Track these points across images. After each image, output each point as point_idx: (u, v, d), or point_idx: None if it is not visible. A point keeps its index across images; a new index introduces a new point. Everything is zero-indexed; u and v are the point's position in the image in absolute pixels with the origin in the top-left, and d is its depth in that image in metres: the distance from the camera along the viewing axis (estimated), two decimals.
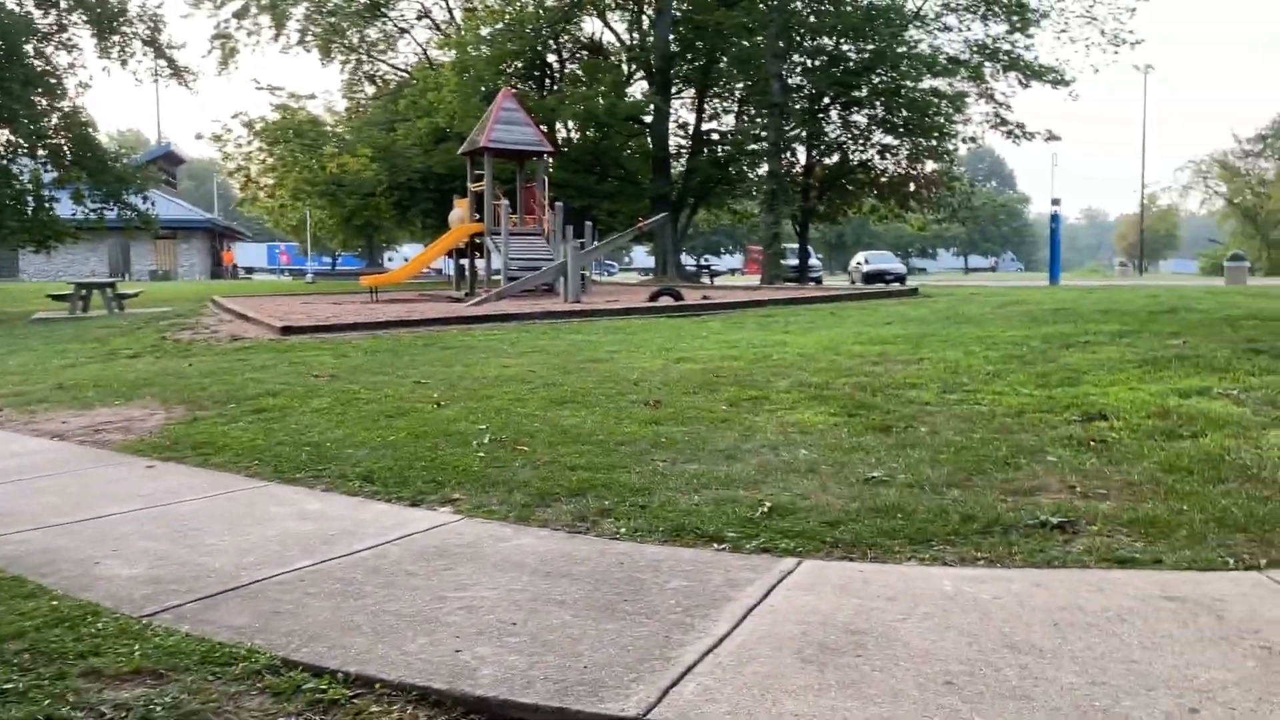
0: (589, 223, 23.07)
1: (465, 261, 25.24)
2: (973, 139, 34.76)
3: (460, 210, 24.21)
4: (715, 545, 3.68)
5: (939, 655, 2.58)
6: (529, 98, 30.54)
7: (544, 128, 29.00)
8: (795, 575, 3.28)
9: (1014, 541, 3.61)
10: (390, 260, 64.06)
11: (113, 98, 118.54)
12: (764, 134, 31.73)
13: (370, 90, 41.15)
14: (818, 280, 40.53)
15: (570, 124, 34.50)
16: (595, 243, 21.84)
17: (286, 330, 12.89)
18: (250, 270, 71.73)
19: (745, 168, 35.30)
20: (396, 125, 33.51)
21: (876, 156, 34.74)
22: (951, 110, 32.35)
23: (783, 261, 34.73)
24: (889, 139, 34.29)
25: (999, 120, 32.93)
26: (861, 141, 34.58)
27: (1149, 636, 2.65)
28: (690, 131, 35.75)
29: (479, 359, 9.73)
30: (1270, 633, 2.65)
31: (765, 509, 4.02)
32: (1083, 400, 6.42)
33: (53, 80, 23.61)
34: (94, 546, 3.79)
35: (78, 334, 15.96)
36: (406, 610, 3.01)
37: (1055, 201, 31.55)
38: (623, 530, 3.88)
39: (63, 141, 24.36)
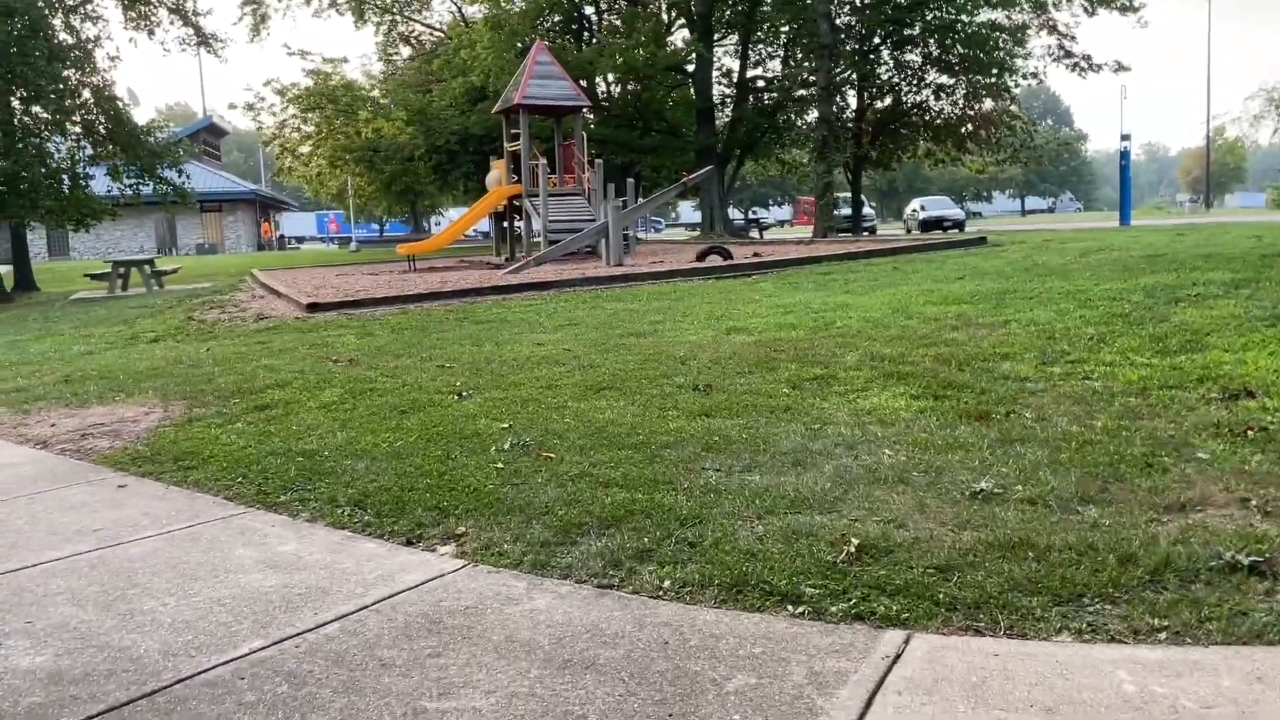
0: (631, 180, 22.05)
1: (505, 225, 24.40)
2: (1034, 74, 32.91)
3: (497, 172, 23.32)
4: (790, 608, 2.78)
5: None
6: (567, 52, 29.39)
7: (582, 83, 27.91)
8: (905, 665, 2.37)
9: (1199, 598, 2.66)
10: (438, 225, 63.51)
11: (160, 72, 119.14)
12: (812, 78, 30.30)
13: (406, 52, 40.26)
14: (871, 230, 39.05)
15: (609, 77, 33.36)
16: (638, 201, 20.83)
17: (313, 307, 12.17)
18: (300, 240, 71.73)
19: (793, 115, 33.92)
20: (431, 87, 32.64)
21: (931, 97, 33.08)
22: (1011, 44, 30.57)
23: (835, 212, 33.37)
24: (944, 78, 32.60)
25: (1063, 53, 31.07)
26: (915, 82, 32.94)
27: None
28: (735, 79, 34.39)
29: (511, 336, 8.89)
30: None
31: (852, 547, 3.10)
32: (1216, 371, 5.39)
33: (79, 54, 23.01)
34: (4, 617, 3.01)
35: (109, 315, 15.48)
36: None
37: (1125, 137, 29.86)
38: (667, 584, 2.99)
39: (95, 117, 23.84)
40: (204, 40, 25.53)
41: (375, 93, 36.48)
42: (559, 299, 12.10)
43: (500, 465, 4.40)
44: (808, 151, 33.45)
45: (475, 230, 35.89)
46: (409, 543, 3.57)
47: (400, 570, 3.25)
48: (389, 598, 3.00)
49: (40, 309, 19.23)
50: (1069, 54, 31.02)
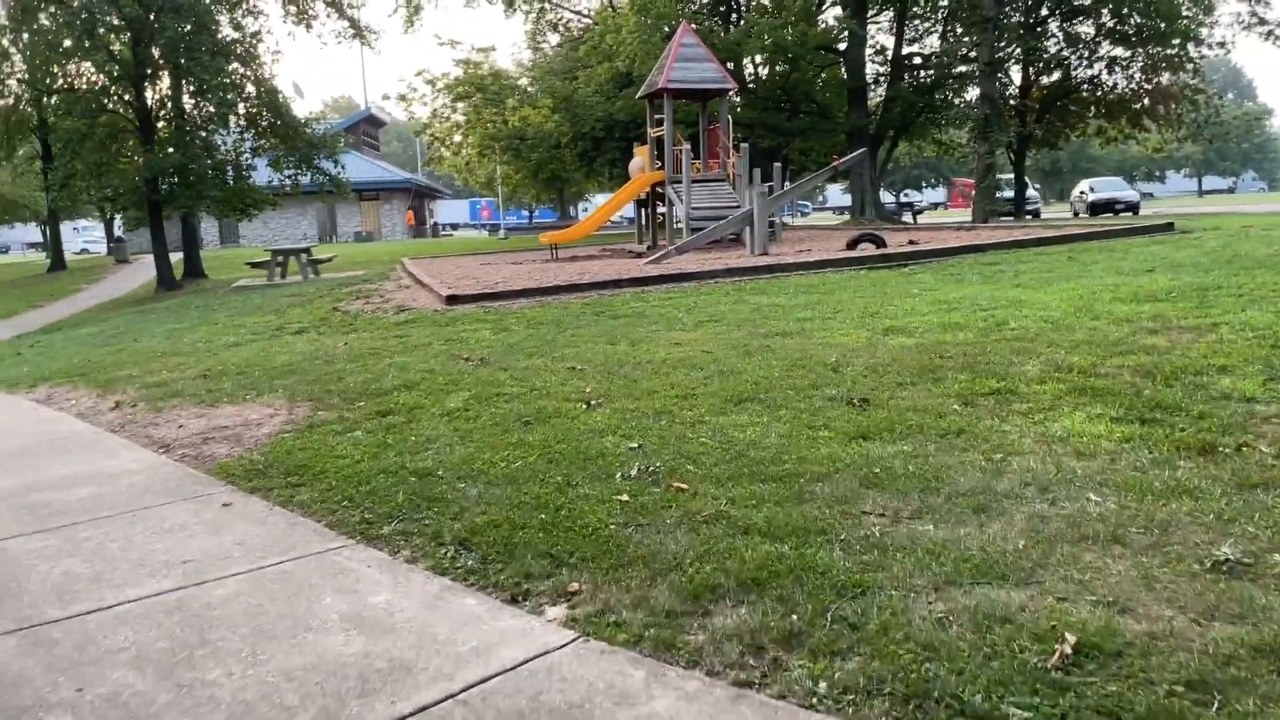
0: (778, 164, 21.19)
1: (648, 212, 23.94)
2: (1221, 44, 30.08)
3: (640, 158, 22.87)
4: None
5: None
6: (713, 34, 28.65)
7: (729, 64, 27.13)
8: None
9: None
10: (584, 211, 63.86)
11: (325, 66, 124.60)
12: (973, 54, 28.56)
13: (554, 39, 40.33)
14: (1035, 214, 36.74)
15: (757, 59, 32.41)
16: (785, 186, 19.97)
17: (452, 300, 11.98)
18: (454, 226, 73.57)
19: (951, 94, 32.13)
20: (577, 73, 32.50)
21: (1104, 71, 30.69)
22: (1197, 12, 27.99)
23: (996, 194, 31.47)
24: (1119, 50, 30.17)
25: (1255, 20, 28.23)
26: (1086, 55, 30.63)
27: None
28: (889, 57, 32.87)
29: (647, 333, 8.35)
30: None
31: (1067, 646, 2.40)
32: None
33: (242, 49, 23.83)
34: (56, 680, 2.66)
35: (263, 304, 15.81)
36: None
37: None
38: (822, 687, 2.36)
39: (258, 110, 24.69)
40: (359, 33, 26.07)
41: (523, 81, 36.68)
42: (699, 292, 11.50)
43: (625, 498, 3.85)
44: (967, 131, 31.66)
45: (621, 215, 35.60)
46: (514, 599, 3.05)
47: (499, 641, 2.73)
48: (480, 683, 2.48)
49: (203, 297, 20.01)
50: (1262, 21, 28.17)
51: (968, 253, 13.99)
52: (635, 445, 4.63)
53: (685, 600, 2.88)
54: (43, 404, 8.53)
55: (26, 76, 23.10)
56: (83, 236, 64.67)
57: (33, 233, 61.01)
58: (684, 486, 3.95)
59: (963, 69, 30.49)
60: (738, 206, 18.94)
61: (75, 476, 5.26)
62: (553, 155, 35.60)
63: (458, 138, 36.88)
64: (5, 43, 23.08)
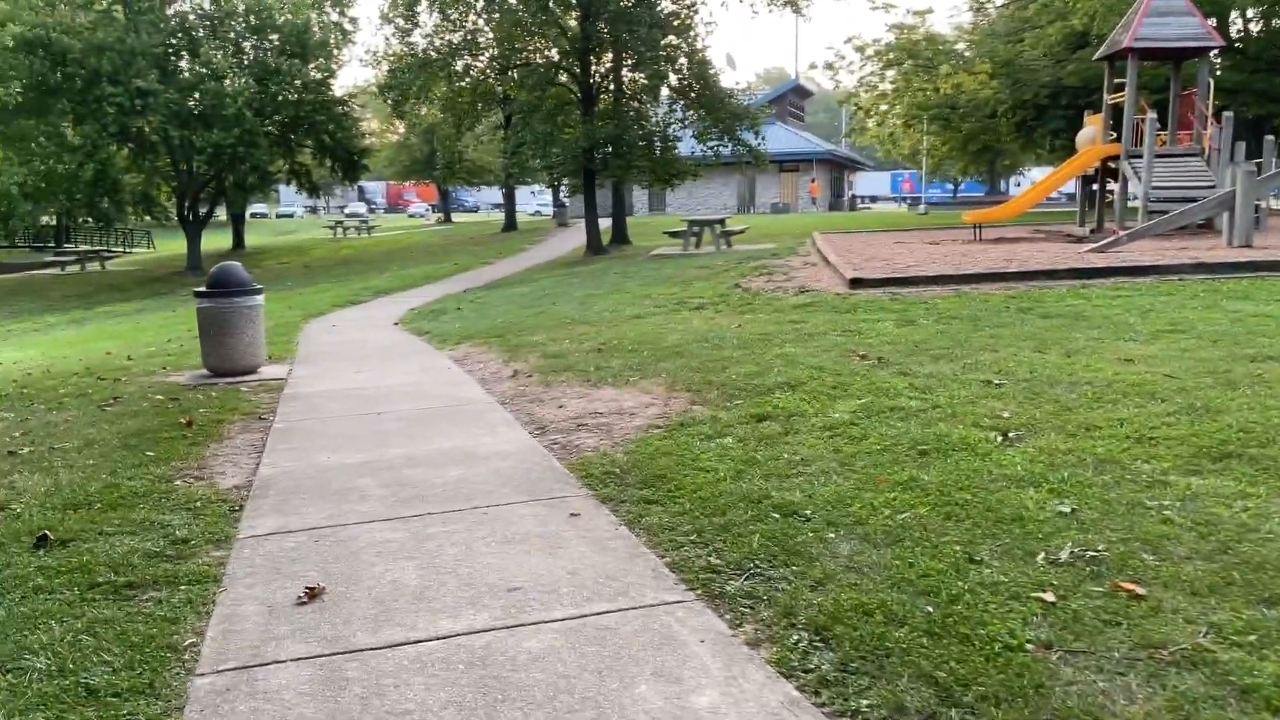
0: (1270, 137, 17.55)
1: (1096, 189, 21.10)
2: None
3: (1092, 128, 20.13)
4: None
5: None
6: None
7: (1211, 21, 23.07)
8: None
9: None
10: (1017, 186, 59.17)
11: (759, 38, 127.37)
12: None
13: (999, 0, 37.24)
14: None
15: (1249, 12, 27.35)
16: (1276, 163, 16.44)
17: (856, 283, 11.07)
18: (873, 199, 71.97)
19: None
20: (1023, 35, 29.62)
21: None
22: None
23: None
24: None
25: None
26: None
27: None
28: None
29: (1087, 341, 6.89)
30: None
31: None
32: None
33: (677, 22, 24.40)
34: None
35: (673, 275, 15.98)
36: None
37: None
38: None
39: (689, 81, 25.25)
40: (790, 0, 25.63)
41: (959, 45, 34.28)
42: (1157, 291, 9.54)
43: (1049, 598, 2.81)
44: None
45: (1059, 192, 32.15)
46: None
47: None
48: None
49: (623, 263, 20.87)
50: None
51: None
52: (1067, 510, 3.52)
53: None
54: (458, 363, 9.00)
55: (496, 51, 25.50)
56: (537, 200, 71.69)
57: (496, 195, 68.72)
58: (1139, 591, 2.82)
59: None
60: (1212, 187, 15.92)
61: (451, 453, 5.20)
62: (986, 125, 33.00)
63: (884, 107, 35.44)
64: (481, 21, 25.65)
